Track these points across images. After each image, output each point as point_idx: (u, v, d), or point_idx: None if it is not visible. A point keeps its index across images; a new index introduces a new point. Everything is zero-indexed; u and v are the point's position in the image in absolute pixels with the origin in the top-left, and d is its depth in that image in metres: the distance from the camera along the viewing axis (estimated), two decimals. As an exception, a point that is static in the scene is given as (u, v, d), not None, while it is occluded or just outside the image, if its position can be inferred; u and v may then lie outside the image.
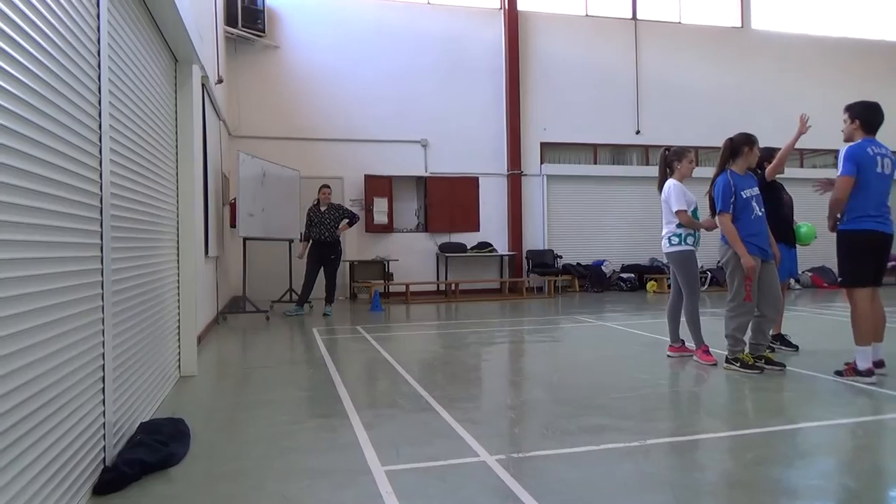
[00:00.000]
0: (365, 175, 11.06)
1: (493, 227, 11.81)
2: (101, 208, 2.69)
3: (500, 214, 11.89)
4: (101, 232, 2.69)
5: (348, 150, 11.12)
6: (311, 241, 8.66)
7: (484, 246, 11.52)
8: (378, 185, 11.18)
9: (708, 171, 5.25)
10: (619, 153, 12.65)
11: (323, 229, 8.49)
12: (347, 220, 8.74)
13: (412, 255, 11.32)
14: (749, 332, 4.63)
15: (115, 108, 2.96)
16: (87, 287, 2.52)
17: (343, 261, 10.14)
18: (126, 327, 3.11)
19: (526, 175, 11.93)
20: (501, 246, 11.80)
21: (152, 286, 3.74)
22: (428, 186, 11.54)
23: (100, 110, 2.69)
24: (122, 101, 3.11)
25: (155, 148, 3.87)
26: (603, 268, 11.81)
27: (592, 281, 11.66)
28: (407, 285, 10.32)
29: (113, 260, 2.85)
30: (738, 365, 4.56)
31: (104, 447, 2.64)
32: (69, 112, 2.36)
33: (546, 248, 11.94)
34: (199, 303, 5.15)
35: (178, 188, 4.58)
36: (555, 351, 5.85)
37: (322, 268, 8.63)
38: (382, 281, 10.71)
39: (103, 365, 2.67)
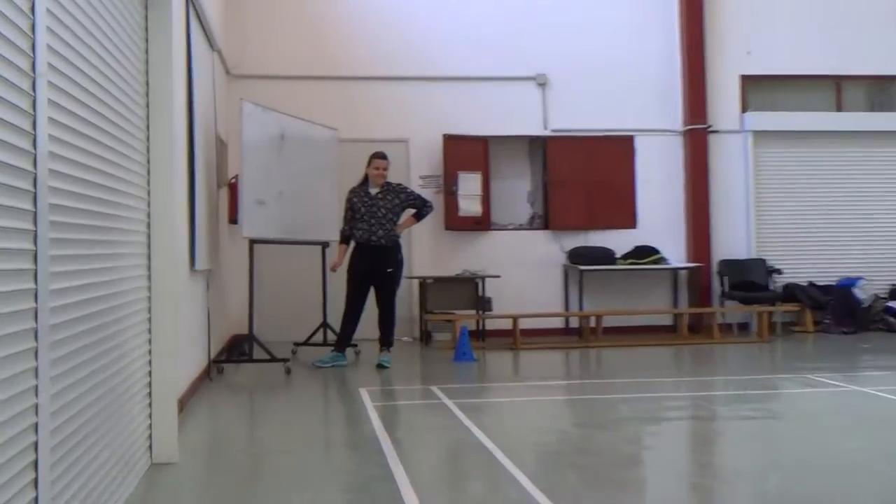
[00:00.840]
0: (444, 136, 11.13)
1: (659, 221, 11.61)
2: (36, 195, 2.80)
3: (672, 200, 11.67)
4: (36, 232, 2.80)
5: (416, 94, 11.21)
6: (354, 245, 8.81)
7: (645, 253, 11.31)
8: (466, 153, 11.22)
9: None
10: (882, 92, 12.16)
11: (374, 225, 8.60)
12: (414, 211, 8.83)
13: (523, 267, 11.28)
14: None
15: (55, 38, 3.08)
16: (11, 320, 2.61)
17: (406, 277, 10.17)
18: (69, 384, 3.22)
19: (716, 132, 11.68)
20: (675, 253, 11.58)
21: (110, 319, 3.88)
22: (549, 153, 11.49)
23: (34, 41, 2.81)
24: (68, 27, 3.24)
25: (116, 98, 4.02)
26: (856, 291, 11.33)
27: (837, 314, 11.19)
28: (514, 319, 10.27)
29: (52, 277, 2.97)
30: None
31: (36, 575, 2.74)
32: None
33: (753, 256, 11.62)
34: (180, 346, 5.31)
35: (149, 161, 4.74)
36: (771, 434, 5.70)
37: (373, 289, 8.77)
38: (474, 312, 10.73)
39: (36, 445, 2.78)
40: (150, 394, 4.75)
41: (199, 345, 7.55)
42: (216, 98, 8.84)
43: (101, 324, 3.72)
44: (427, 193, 10.16)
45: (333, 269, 9.07)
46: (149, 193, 4.75)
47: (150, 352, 4.75)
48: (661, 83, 11.65)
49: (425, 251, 11.15)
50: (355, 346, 9.19)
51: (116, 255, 4.03)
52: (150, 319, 4.74)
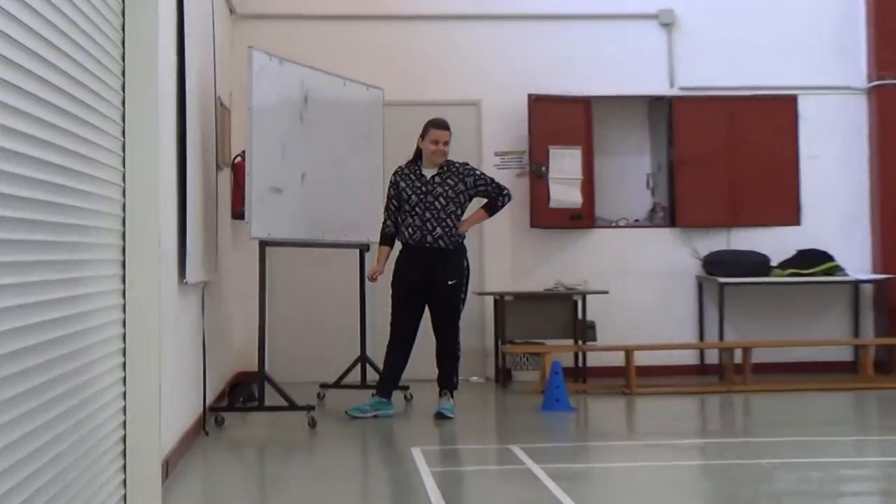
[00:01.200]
0: (530, 96, 11.13)
1: (833, 215, 11.51)
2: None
3: (853, 185, 11.57)
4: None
5: (491, 40, 11.24)
6: (401, 248, 8.81)
7: (813, 260, 11.15)
8: (561, 120, 11.18)
9: None
10: None
11: (429, 220, 8.57)
12: (486, 201, 8.80)
13: (639, 280, 11.27)
14: None
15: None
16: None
17: (474, 293, 10.12)
18: (14, 440, 3.23)
19: (916, 88, 11.53)
20: (856, 260, 11.46)
21: (70, 351, 3.89)
22: (677, 120, 11.44)
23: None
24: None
25: (80, 48, 4.04)
26: None
27: None
28: (628, 351, 10.17)
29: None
30: None
31: None
32: None
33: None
34: (166, 388, 5.32)
35: (124, 134, 4.77)
36: None
37: (428, 308, 8.77)
38: (571, 342, 10.67)
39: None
40: (124, 453, 4.78)
41: (192, 386, 7.60)
42: (216, 46, 8.91)
43: (58, 357, 3.73)
44: (505, 177, 10.21)
45: (372, 279, 9.07)
46: (124, 178, 4.77)
47: (124, 395, 4.78)
48: (836, 21, 11.57)
49: (503, 257, 11.19)
50: (405, 388, 9.22)
51: (79, 263, 4.06)
52: (124, 351, 4.76)
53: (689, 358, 11.25)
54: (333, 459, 7.22)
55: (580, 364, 10.75)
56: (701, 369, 11.27)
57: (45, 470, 3.58)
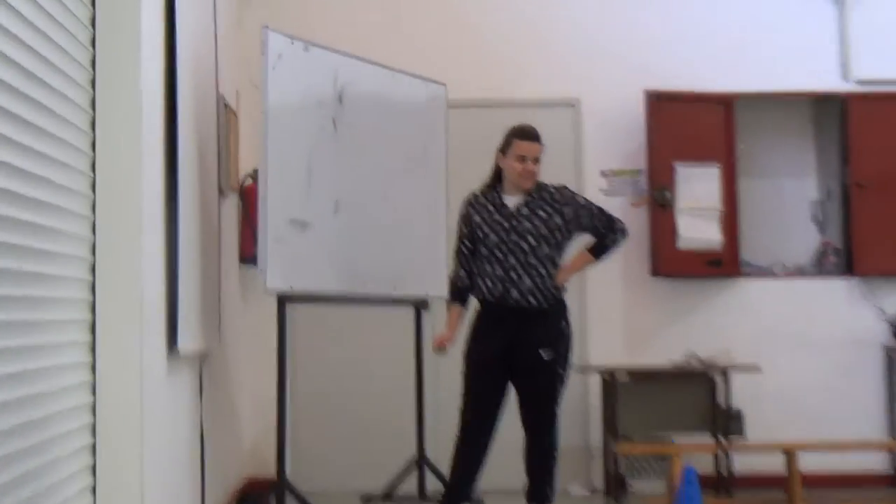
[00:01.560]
0: (648, 93, 11.14)
1: None
2: None
3: None
4: None
5: (596, 19, 11.33)
6: (478, 306, 8.70)
7: None
8: (691, 127, 11.21)
9: None
10: None
11: (515, 267, 8.44)
12: (594, 242, 8.70)
13: (803, 350, 11.21)
14: None
15: None
16: None
17: (576, 368, 10.03)
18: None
19: None
20: None
21: (19, 448, 3.86)
22: (854, 128, 11.38)
23: None
24: None
25: (32, 27, 4.03)
26: None
27: None
28: (790, 452, 10.04)
29: None
30: None
31: None
32: None
33: None
34: (148, 502, 5.26)
35: (95, 148, 4.75)
36: None
37: (515, 391, 8.67)
38: (710, 439, 10.59)
39: None
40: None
41: (185, 498, 7.57)
42: (219, 27, 8.99)
43: (4, 457, 3.69)
44: (615, 206, 10.12)
45: (439, 349, 8.93)
46: (94, 208, 4.76)
47: (92, 509, 4.74)
48: None
49: (613, 318, 11.21)
50: (480, 502, 9.11)
51: (29, 326, 4.05)
52: (93, 449, 4.74)
53: (875, 462, 11.14)
54: None
55: (723, 470, 10.65)
56: (893, 480, 11.15)
57: None
